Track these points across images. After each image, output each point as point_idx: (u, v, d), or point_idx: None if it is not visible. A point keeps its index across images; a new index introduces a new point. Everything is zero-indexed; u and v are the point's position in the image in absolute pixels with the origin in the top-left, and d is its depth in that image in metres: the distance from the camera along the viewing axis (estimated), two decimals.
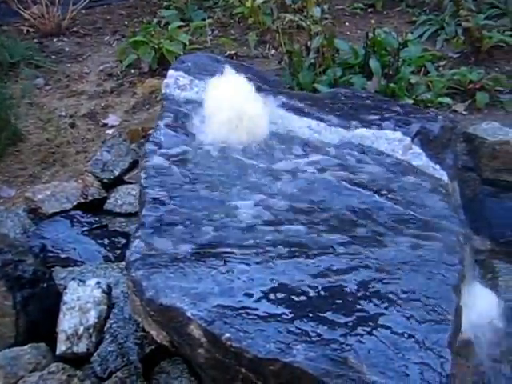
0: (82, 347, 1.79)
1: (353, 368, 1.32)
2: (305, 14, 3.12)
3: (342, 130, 2.03)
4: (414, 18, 3.85)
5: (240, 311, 1.42)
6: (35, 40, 3.89)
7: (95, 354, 1.80)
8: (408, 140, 2.00)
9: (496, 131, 2.43)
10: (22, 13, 3.93)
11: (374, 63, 2.97)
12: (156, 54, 3.32)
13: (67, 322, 1.78)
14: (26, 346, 1.80)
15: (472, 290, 1.92)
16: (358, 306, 1.45)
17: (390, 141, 1.99)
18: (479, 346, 1.85)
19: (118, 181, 2.50)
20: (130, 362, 1.81)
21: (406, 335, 1.40)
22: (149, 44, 3.32)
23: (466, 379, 1.82)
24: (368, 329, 1.40)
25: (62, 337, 1.78)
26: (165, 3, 4.03)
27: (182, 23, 3.60)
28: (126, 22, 4.01)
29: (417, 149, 2.00)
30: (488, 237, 2.33)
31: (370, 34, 3.12)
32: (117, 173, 2.50)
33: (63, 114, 3.15)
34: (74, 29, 4.02)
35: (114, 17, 4.14)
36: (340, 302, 1.46)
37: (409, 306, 1.47)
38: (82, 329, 1.80)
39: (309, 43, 3.05)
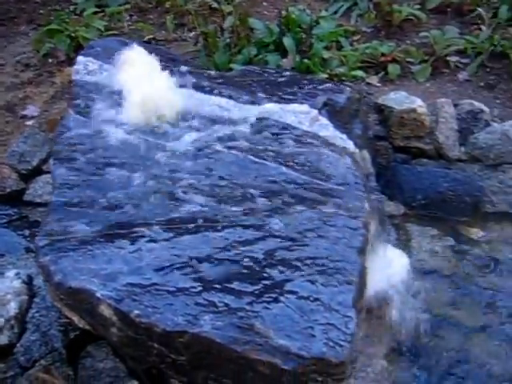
0: (3, 339, 1.78)
1: (260, 334, 1.35)
2: None
3: (250, 107, 2.05)
4: None
5: (149, 288, 1.43)
6: None
7: (18, 345, 1.79)
8: (315, 112, 2.03)
9: (403, 100, 2.49)
10: None
11: (287, 41, 3.00)
12: (72, 41, 3.26)
13: None
14: None
15: (384, 253, 1.98)
16: (265, 275, 1.47)
17: (297, 114, 2.02)
18: (393, 305, 1.91)
19: (37, 171, 2.46)
20: (54, 349, 1.81)
21: (311, 299, 1.44)
22: (64, 32, 3.25)
23: (382, 339, 1.88)
24: (274, 295, 1.43)
25: None
26: None
27: (97, 9, 3.53)
28: (41, 11, 3.91)
29: (324, 120, 2.03)
30: (401, 202, 2.41)
31: (284, 12, 3.15)
32: (34, 163, 2.46)
33: None
34: None
35: (28, 6, 4.00)
36: (247, 271, 1.48)
37: (314, 270, 1.50)
38: (2, 321, 1.78)
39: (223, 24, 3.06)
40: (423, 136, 2.47)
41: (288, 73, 2.39)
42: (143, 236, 1.55)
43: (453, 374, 1.82)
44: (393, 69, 3.06)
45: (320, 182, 1.76)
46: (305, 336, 1.35)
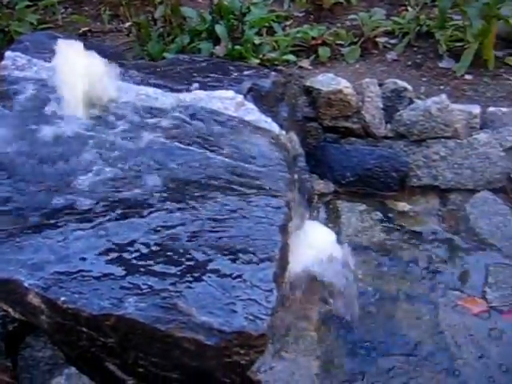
0: None
1: (182, 312, 1.40)
2: None
3: (178, 95, 2.08)
4: None
5: (75, 275, 1.46)
6: None
7: None
8: (240, 97, 2.08)
9: (330, 82, 2.55)
10: None
11: (219, 28, 3.03)
12: (5, 36, 3.23)
13: None
14: None
15: (311, 230, 2.05)
16: (189, 256, 1.52)
17: (223, 100, 2.06)
18: (322, 280, 1.98)
19: None
20: None
21: (233, 276, 1.49)
22: None
23: (311, 315, 1.96)
24: (197, 275, 1.48)
25: None
26: None
27: (30, 3, 3.50)
28: None
29: (250, 105, 2.07)
30: (331, 180, 2.48)
31: (216, 0, 3.18)
32: None
33: None
34: None
35: None
36: (171, 254, 1.52)
37: (236, 249, 1.55)
38: None
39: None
40: (350, 115, 2.54)
41: (215, 60, 2.43)
42: (70, 225, 1.57)
43: (382, 342, 1.90)
44: (323, 52, 3.13)
45: (244, 165, 1.81)
46: (226, 312, 1.41)
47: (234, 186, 1.74)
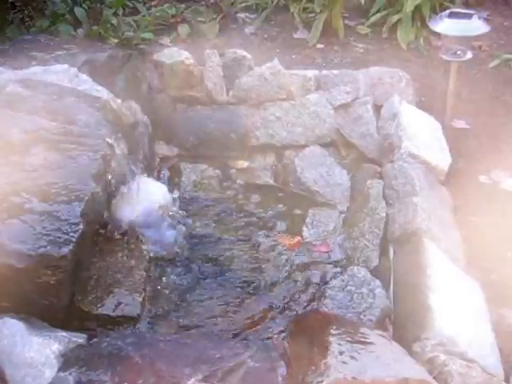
0: None
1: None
2: None
3: (16, 71, 2.54)
4: None
5: None
6: None
7: None
8: (74, 70, 2.55)
9: (173, 54, 3.06)
10: None
11: (78, 10, 3.50)
12: None
13: None
14: None
15: (147, 187, 2.53)
16: (9, 200, 1.98)
17: (58, 72, 2.52)
18: (152, 228, 2.46)
19: None
20: None
21: (46, 215, 1.96)
22: None
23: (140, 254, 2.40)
24: (15, 216, 1.93)
25: None
26: None
27: None
28: None
29: (83, 76, 2.55)
30: (176, 145, 2.98)
31: None
32: None
33: None
34: None
35: None
36: None
37: (52, 193, 2.02)
38: None
39: None
40: (195, 85, 3.05)
41: (57, 39, 2.90)
42: None
43: (214, 277, 2.39)
44: (183, 29, 3.64)
45: (68, 127, 2.28)
46: (36, 240, 1.88)
47: (58, 144, 2.21)
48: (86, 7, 3.57)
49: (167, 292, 2.30)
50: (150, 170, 2.74)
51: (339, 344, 1.70)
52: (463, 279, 2.15)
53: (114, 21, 3.51)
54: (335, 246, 2.49)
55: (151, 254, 2.39)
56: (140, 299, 2.18)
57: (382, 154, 2.78)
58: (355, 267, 2.28)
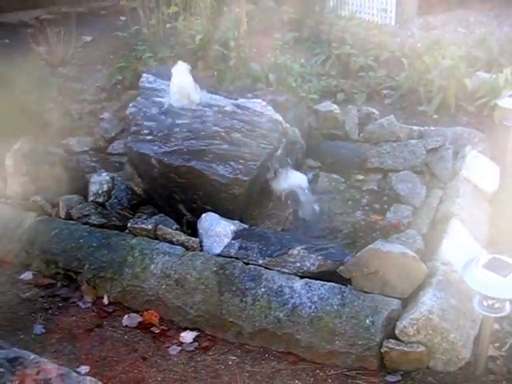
0: None
1: (212, 166, 4.33)
2: None
3: (231, 100, 5.08)
4: None
5: None
6: (47, 69, 7.00)
7: None
8: (264, 103, 5.05)
9: (327, 107, 5.51)
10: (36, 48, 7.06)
11: (271, 76, 6.11)
12: (134, 73, 6.42)
13: None
14: None
15: (293, 176, 4.93)
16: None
17: (255, 104, 5.03)
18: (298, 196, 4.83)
19: (114, 138, 5.58)
20: None
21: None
22: (129, 68, 6.45)
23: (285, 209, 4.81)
24: None
25: None
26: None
27: (151, 54, 6.73)
28: (111, 56, 7.16)
29: (269, 107, 5.04)
30: (319, 160, 5.37)
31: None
32: (113, 134, 5.59)
33: (73, 112, 6.20)
34: (74, 61, 7.15)
35: (102, 52, 7.30)
36: None
37: (234, 157, 4.47)
38: None
39: None
40: (338, 127, 5.46)
41: (258, 86, 5.48)
42: None
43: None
44: (340, 95, 6.12)
45: (261, 131, 4.76)
46: (231, 170, 4.31)
47: (251, 133, 4.68)
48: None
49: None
50: (299, 169, 5.14)
51: None
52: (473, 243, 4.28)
53: (294, 84, 6.05)
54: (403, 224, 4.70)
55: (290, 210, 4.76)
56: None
57: (449, 180, 4.99)
58: (410, 230, 4.48)
